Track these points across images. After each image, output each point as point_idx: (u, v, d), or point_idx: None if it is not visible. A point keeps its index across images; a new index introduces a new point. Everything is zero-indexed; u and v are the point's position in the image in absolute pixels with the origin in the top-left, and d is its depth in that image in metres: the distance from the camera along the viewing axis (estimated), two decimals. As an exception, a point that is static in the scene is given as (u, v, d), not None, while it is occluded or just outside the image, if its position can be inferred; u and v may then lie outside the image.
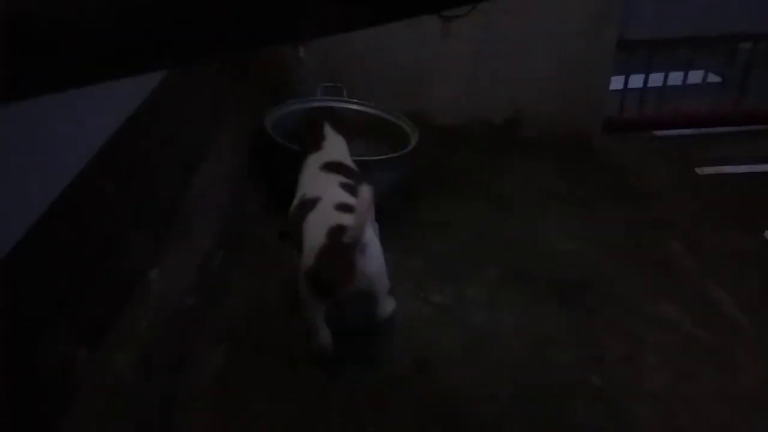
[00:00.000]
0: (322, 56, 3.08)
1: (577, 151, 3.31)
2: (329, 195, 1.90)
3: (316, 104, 2.68)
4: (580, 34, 3.10)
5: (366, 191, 1.66)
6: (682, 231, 2.72)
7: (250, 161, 2.61)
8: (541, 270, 2.39)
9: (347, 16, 0.52)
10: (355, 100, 2.85)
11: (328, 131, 2.25)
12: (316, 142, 2.22)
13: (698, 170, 3.24)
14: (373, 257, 1.76)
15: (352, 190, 1.94)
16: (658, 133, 3.63)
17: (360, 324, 1.96)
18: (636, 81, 3.49)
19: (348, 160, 2.20)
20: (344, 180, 2.00)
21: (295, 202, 2.01)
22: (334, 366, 1.86)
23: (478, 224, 2.67)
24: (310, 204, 1.89)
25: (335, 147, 2.22)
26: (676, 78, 3.54)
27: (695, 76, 3.64)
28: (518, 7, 3.03)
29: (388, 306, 1.98)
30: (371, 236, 1.81)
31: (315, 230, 1.77)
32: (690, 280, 2.41)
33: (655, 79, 3.51)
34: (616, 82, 3.45)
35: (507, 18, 3.05)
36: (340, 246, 1.67)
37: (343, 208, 1.81)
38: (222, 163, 2.32)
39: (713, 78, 3.72)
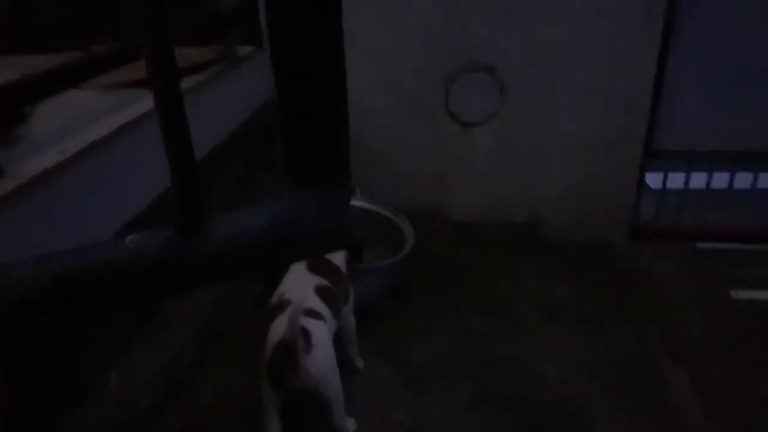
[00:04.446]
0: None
1: (598, 259, 3.18)
2: (300, 300, 2.00)
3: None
4: (603, 145, 3.04)
5: (295, 306, 1.81)
6: (694, 364, 2.52)
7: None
8: (518, 394, 2.31)
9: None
10: (360, 198, 2.96)
11: None
12: None
13: (733, 293, 2.99)
14: (319, 358, 1.87)
15: (326, 296, 2.05)
16: (700, 244, 3.41)
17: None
18: (678, 180, 3.28)
19: (338, 260, 2.30)
20: (322, 283, 2.10)
21: (274, 299, 2.13)
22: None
23: (466, 334, 2.64)
24: (282, 307, 2.01)
25: None
26: (722, 180, 3.29)
27: (743, 180, 3.33)
28: (538, 117, 3.04)
29: (345, 422, 2.04)
30: (323, 339, 1.92)
31: (278, 329, 1.89)
32: (684, 426, 2.22)
33: (700, 180, 3.29)
34: (655, 181, 3.30)
35: (526, 127, 3.06)
36: (292, 343, 1.80)
37: (310, 313, 1.93)
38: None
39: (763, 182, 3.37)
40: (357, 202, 2.93)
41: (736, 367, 2.51)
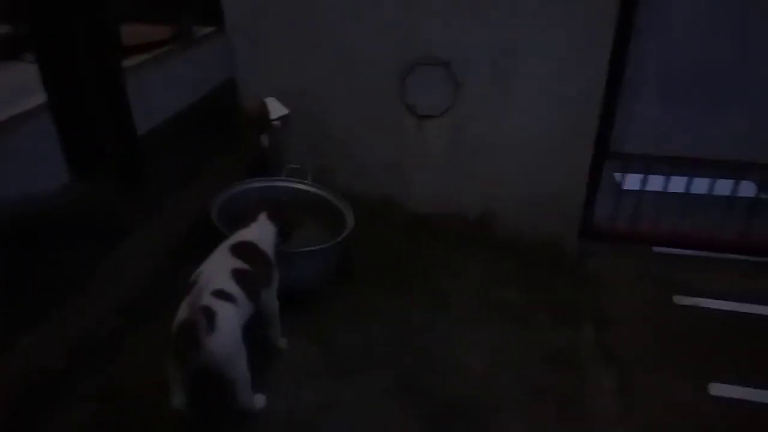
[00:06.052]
0: (307, 140, 3.28)
1: (546, 258, 3.18)
2: (213, 281, 2.04)
3: (256, 185, 2.87)
4: (556, 143, 3.03)
5: (199, 286, 1.88)
6: (622, 367, 2.53)
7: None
8: (435, 387, 2.32)
9: None
10: (301, 180, 2.99)
11: (262, 216, 2.41)
12: (245, 222, 2.39)
13: (676, 299, 2.99)
14: (221, 339, 1.89)
15: (242, 278, 2.09)
16: (656, 248, 3.39)
17: (224, 409, 2.07)
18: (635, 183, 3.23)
19: (264, 245, 2.32)
20: (240, 266, 2.14)
21: (192, 278, 2.16)
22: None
23: (399, 324, 2.65)
24: (192, 287, 2.04)
25: (259, 230, 2.36)
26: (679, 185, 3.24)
27: (701, 185, 3.27)
28: (491, 113, 3.04)
29: (251, 399, 2.08)
30: (228, 320, 1.94)
31: (185, 308, 1.93)
32: (596, 424, 2.24)
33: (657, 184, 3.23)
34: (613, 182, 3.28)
35: (480, 122, 3.07)
36: (192, 323, 1.84)
37: (220, 294, 1.96)
38: (155, 236, 2.53)
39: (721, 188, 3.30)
40: (302, 186, 2.97)
41: (663, 373, 2.52)
